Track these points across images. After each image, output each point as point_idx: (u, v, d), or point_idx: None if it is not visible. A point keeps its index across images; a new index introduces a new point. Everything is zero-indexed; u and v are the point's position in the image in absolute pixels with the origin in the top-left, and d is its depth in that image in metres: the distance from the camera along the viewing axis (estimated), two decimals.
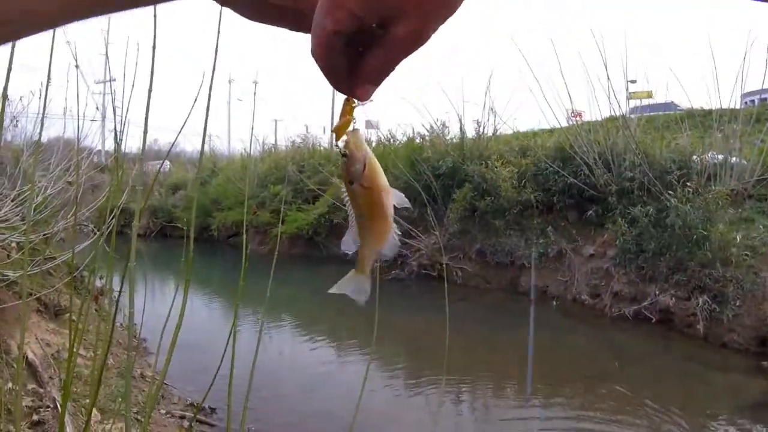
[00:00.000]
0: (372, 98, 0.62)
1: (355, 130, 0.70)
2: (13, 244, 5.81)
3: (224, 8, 0.63)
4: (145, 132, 2.87)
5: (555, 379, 7.45)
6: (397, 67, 0.56)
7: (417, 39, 0.54)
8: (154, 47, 2.69)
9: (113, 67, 3.68)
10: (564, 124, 13.98)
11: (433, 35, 0.54)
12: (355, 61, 0.57)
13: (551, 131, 15.16)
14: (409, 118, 30.28)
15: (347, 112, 0.67)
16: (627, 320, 9.94)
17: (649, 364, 8.27)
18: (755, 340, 8.59)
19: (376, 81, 0.59)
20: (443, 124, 16.29)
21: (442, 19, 0.53)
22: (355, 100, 0.65)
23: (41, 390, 4.60)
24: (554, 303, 11.50)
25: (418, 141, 16.73)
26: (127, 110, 3.30)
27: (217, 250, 17.35)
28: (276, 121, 39.42)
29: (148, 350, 7.06)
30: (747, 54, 12.22)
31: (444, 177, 14.11)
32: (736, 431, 6.12)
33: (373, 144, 18.23)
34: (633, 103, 14.67)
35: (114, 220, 3.38)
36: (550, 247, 12.17)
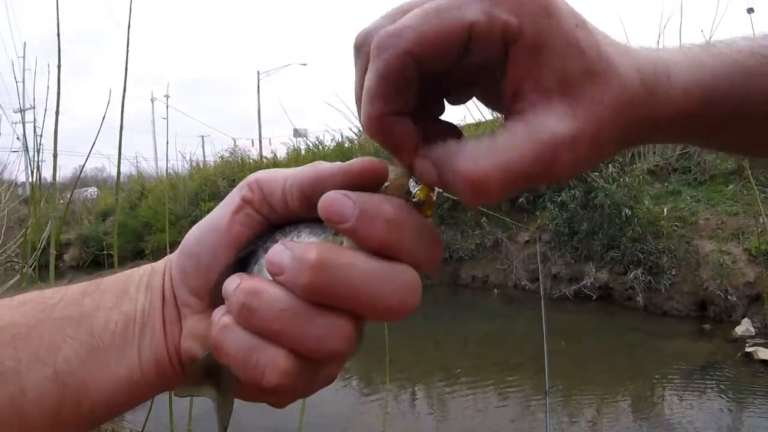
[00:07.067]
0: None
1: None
2: None
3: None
4: (55, 156, 2.77)
5: (505, 365, 7.52)
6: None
7: None
8: (59, 67, 2.61)
9: (31, 93, 3.56)
10: (489, 117, 14.11)
11: None
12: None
13: (477, 125, 15.31)
14: (336, 123, 30.36)
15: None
16: (568, 300, 10.10)
17: (595, 339, 8.43)
18: (695, 305, 8.87)
19: None
20: None
21: None
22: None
23: None
24: (496, 291, 11.63)
25: (347, 145, 16.71)
26: (41, 137, 3.18)
27: None
28: (203, 137, 38.91)
29: None
30: (661, 35, 12.52)
31: None
32: (686, 394, 6.29)
33: (303, 152, 18.16)
34: None
35: (37, 253, 3.26)
36: (486, 237, 12.28)
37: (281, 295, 0.40)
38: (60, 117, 2.84)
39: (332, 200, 0.40)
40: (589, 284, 10.13)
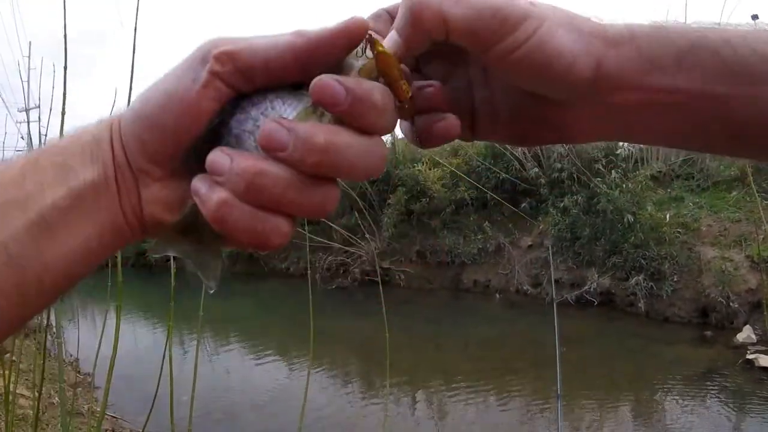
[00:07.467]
0: None
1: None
2: None
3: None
4: None
5: (505, 370, 7.52)
6: None
7: None
8: (65, 68, 2.62)
9: (36, 93, 3.57)
10: None
11: None
12: None
13: None
14: None
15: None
16: (570, 306, 10.09)
17: (596, 344, 8.42)
18: (696, 311, 8.88)
19: None
20: None
21: None
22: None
23: None
24: (497, 296, 11.62)
25: None
26: (46, 135, 3.19)
27: (155, 274, 16.75)
28: None
29: (95, 384, 6.83)
30: None
31: (379, 183, 14.09)
32: (687, 401, 6.28)
33: None
34: None
35: None
36: (488, 242, 12.28)
37: (285, 172, 0.43)
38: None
39: (327, 86, 0.42)
40: (591, 290, 10.13)
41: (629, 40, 0.46)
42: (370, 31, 0.46)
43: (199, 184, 0.45)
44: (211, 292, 0.55)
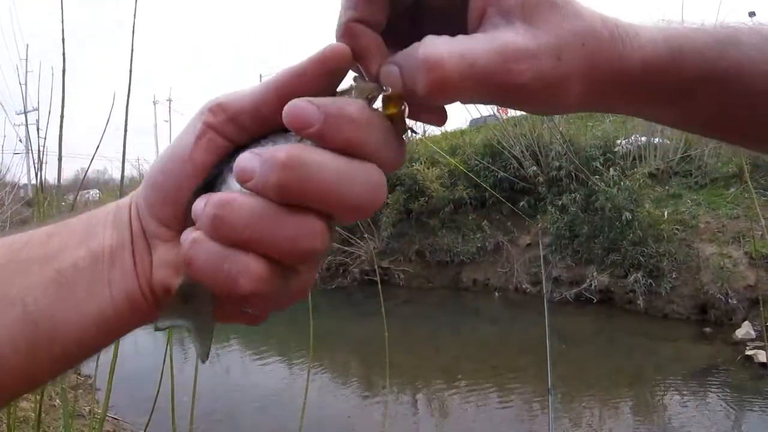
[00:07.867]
0: None
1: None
2: None
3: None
4: (60, 159, 2.78)
5: (505, 368, 7.51)
6: None
7: None
8: (63, 71, 2.62)
9: (33, 96, 3.56)
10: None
11: None
12: None
13: (479, 129, 15.29)
14: None
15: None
16: (569, 303, 10.08)
17: (595, 342, 8.43)
18: (695, 308, 8.88)
19: None
20: None
21: None
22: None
23: None
24: (497, 294, 11.61)
25: None
26: (45, 139, 3.19)
27: None
28: None
29: (96, 386, 6.82)
30: None
31: None
32: (686, 397, 6.29)
33: None
34: None
35: None
36: (487, 240, 12.27)
37: (250, 200, 0.40)
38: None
39: (297, 107, 0.40)
40: (590, 287, 10.13)
41: (640, 84, 0.45)
42: (385, 92, 0.44)
43: (184, 234, 0.44)
44: (203, 363, 0.53)
